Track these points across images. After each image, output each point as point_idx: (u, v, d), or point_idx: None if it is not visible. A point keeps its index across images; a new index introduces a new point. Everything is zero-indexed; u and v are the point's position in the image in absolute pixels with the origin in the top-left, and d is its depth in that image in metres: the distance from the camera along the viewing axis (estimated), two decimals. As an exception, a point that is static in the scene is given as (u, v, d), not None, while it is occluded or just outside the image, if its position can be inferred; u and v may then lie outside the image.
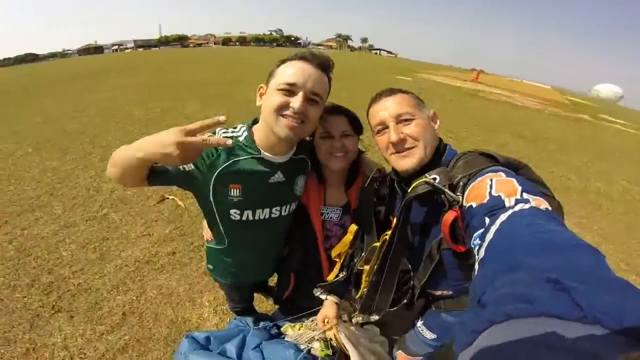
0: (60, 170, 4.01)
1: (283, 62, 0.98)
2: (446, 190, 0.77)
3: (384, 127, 0.94)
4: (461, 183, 0.77)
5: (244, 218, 1.08)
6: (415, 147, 0.90)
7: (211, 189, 1.00)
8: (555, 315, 0.29)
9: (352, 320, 1.21)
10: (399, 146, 0.91)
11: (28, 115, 6.46)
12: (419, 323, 1.21)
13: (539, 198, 0.59)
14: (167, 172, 0.93)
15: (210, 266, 1.37)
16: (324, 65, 0.98)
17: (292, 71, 0.93)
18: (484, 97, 14.55)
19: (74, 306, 2.12)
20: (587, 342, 0.26)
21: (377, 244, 1.01)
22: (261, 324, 1.42)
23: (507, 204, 0.58)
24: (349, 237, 1.15)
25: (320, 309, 1.29)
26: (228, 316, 2.04)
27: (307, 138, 1.17)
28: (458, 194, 0.75)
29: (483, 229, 0.57)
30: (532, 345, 0.28)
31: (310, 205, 1.24)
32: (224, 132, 1.04)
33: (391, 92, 0.98)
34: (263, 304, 2.13)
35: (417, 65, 39.12)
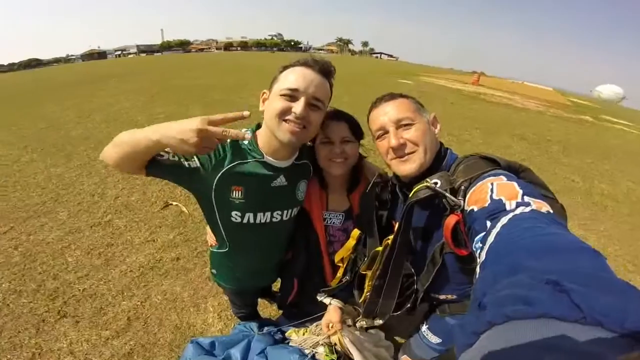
0: (65, 177, 4.04)
1: (285, 68, 1.00)
2: (447, 194, 0.77)
3: (384, 132, 0.94)
4: (462, 187, 0.77)
5: (244, 221, 1.08)
6: (415, 151, 0.91)
7: (213, 190, 1.01)
8: (554, 316, 0.29)
9: (357, 324, 1.21)
10: (399, 151, 0.91)
11: (33, 121, 6.52)
12: (424, 327, 1.21)
13: (540, 201, 0.59)
14: (169, 165, 0.92)
15: (214, 271, 1.38)
16: (326, 71, 0.99)
17: (294, 77, 0.94)
18: (485, 99, 14.52)
19: (80, 311, 2.13)
20: (587, 343, 0.26)
21: (380, 248, 1.01)
22: (265, 329, 1.42)
23: (508, 208, 0.59)
24: (351, 242, 1.16)
25: (324, 313, 1.29)
26: (232, 321, 2.05)
27: (309, 143, 1.18)
28: (459, 198, 0.76)
29: (484, 233, 0.57)
30: (532, 347, 0.28)
31: (312, 210, 1.24)
32: None
33: (391, 96, 0.98)
34: (267, 309, 2.13)
35: (418, 69, 39.18)
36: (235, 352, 1.22)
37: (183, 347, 1.69)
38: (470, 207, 0.69)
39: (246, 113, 0.81)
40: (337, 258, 1.22)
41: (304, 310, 1.44)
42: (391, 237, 0.94)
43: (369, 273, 1.06)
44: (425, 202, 0.84)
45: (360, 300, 1.13)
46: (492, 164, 0.79)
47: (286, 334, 1.40)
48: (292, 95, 0.93)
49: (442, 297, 1.06)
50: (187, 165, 0.95)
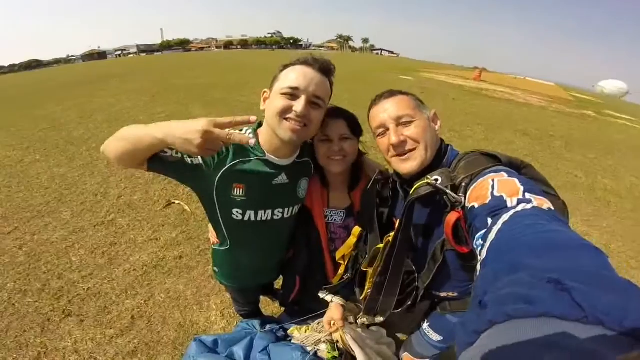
0: (68, 177, 4.06)
1: (286, 66, 1.00)
2: (448, 191, 0.77)
3: (385, 129, 0.94)
4: (463, 184, 0.77)
5: (245, 218, 1.09)
6: (415, 149, 0.90)
7: (215, 187, 1.01)
8: (555, 315, 0.29)
9: (358, 321, 1.21)
10: (400, 148, 0.91)
11: (35, 122, 6.54)
12: (425, 325, 1.21)
13: (542, 198, 0.59)
14: (171, 161, 0.92)
15: (215, 269, 1.38)
16: (326, 69, 0.99)
17: (294, 75, 0.95)
18: (487, 95, 14.43)
19: (84, 310, 2.15)
20: (588, 342, 0.26)
21: (381, 245, 1.02)
22: (268, 326, 1.43)
23: (509, 204, 0.58)
24: (352, 239, 1.16)
25: (326, 311, 1.30)
26: (235, 319, 2.06)
27: (309, 141, 1.18)
28: (460, 194, 0.76)
29: (485, 230, 0.57)
30: (533, 346, 0.28)
31: (314, 208, 1.24)
32: None
33: (391, 94, 0.98)
34: (269, 306, 2.14)
35: (419, 65, 38.98)
36: (238, 350, 1.23)
37: (186, 345, 1.70)
38: (471, 204, 0.69)
39: (253, 118, 0.82)
40: (338, 255, 1.22)
41: (306, 308, 1.44)
42: (392, 234, 0.94)
43: (370, 270, 1.07)
44: (426, 199, 0.83)
45: (361, 298, 1.13)
46: (493, 161, 0.79)
47: (288, 332, 1.41)
48: (292, 93, 0.93)
49: (443, 294, 1.06)
50: (189, 162, 0.95)
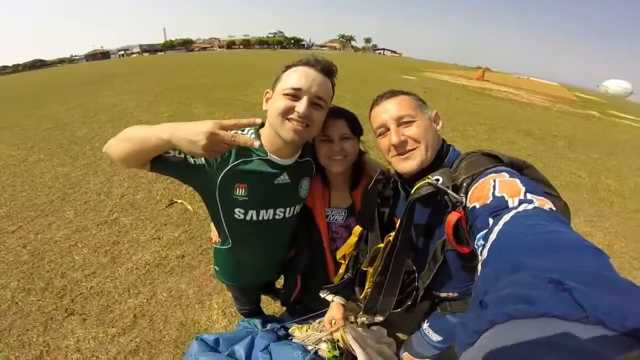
0: (71, 176, 4.09)
1: (288, 67, 1.01)
2: (449, 191, 0.77)
3: (385, 129, 0.94)
4: (464, 184, 0.77)
5: (247, 218, 1.09)
6: (416, 148, 0.90)
7: (218, 187, 1.02)
8: (556, 315, 0.29)
9: (357, 320, 1.22)
10: (400, 148, 0.91)
11: (39, 122, 6.59)
12: (425, 325, 1.21)
13: (543, 198, 0.59)
14: (174, 162, 0.93)
15: (217, 267, 1.39)
16: (328, 70, 1.00)
17: (296, 76, 0.95)
18: (490, 95, 14.37)
19: (87, 309, 2.16)
20: (588, 342, 0.26)
21: (381, 245, 1.02)
22: (269, 325, 1.43)
23: (510, 205, 0.58)
24: (353, 238, 1.16)
25: (327, 310, 1.30)
26: (237, 318, 2.06)
27: (310, 141, 1.18)
28: (461, 195, 0.75)
29: (486, 230, 0.57)
30: (533, 346, 0.28)
31: (315, 208, 1.24)
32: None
33: (392, 94, 0.98)
34: (271, 306, 2.14)
35: (421, 64, 38.89)
36: (240, 349, 1.23)
37: (188, 344, 1.71)
38: (472, 204, 0.68)
39: (258, 120, 0.82)
40: (339, 255, 1.22)
41: (307, 307, 1.45)
42: (393, 233, 0.94)
43: (370, 270, 1.07)
44: (427, 199, 0.83)
45: (361, 297, 1.13)
46: (495, 161, 0.79)
47: (289, 331, 1.41)
48: (295, 94, 0.94)
49: (444, 294, 1.06)
50: (192, 163, 0.96)
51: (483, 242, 0.56)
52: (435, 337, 1.18)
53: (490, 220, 0.58)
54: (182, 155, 0.93)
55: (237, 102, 8.06)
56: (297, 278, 1.41)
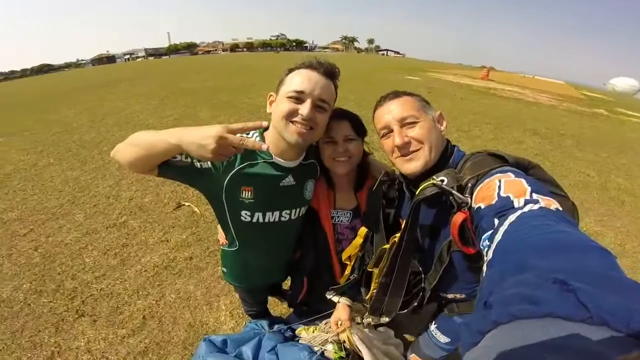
0: (80, 180, 4.15)
1: (291, 70, 1.02)
2: (454, 192, 0.77)
3: (389, 130, 0.95)
4: (469, 184, 0.77)
5: (254, 220, 1.10)
6: (420, 149, 0.90)
7: (224, 190, 1.03)
8: (560, 316, 0.29)
9: (363, 321, 1.22)
10: (404, 149, 0.91)
11: (48, 126, 6.70)
12: (433, 326, 1.21)
13: (549, 198, 0.58)
14: (181, 166, 0.94)
15: (224, 269, 1.40)
16: (331, 73, 1.01)
17: (299, 79, 0.96)
18: (495, 94, 14.24)
19: (97, 310, 2.19)
20: (592, 343, 0.26)
21: (387, 246, 1.02)
22: (276, 327, 1.44)
23: (516, 205, 0.58)
24: (358, 240, 1.16)
25: (333, 311, 1.31)
26: (244, 319, 2.07)
27: (314, 143, 1.19)
28: (466, 195, 0.75)
29: (492, 230, 0.57)
30: (537, 346, 0.28)
31: (320, 209, 1.25)
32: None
33: (395, 95, 0.98)
34: (278, 307, 2.15)
35: (425, 65, 38.69)
36: (247, 350, 1.24)
37: (196, 345, 1.72)
38: (478, 205, 0.68)
39: (264, 123, 0.85)
40: (344, 256, 1.22)
41: (314, 308, 1.45)
42: (398, 234, 0.94)
43: (376, 271, 1.07)
44: (432, 199, 0.83)
45: (367, 298, 1.13)
46: (500, 161, 0.79)
47: (296, 332, 1.42)
48: (298, 97, 0.95)
49: (450, 296, 1.05)
50: (199, 167, 0.97)
51: (488, 243, 0.56)
52: (443, 339, 1.17)
53: (496, 221, 0.58)
54: (189, 160, 0.95)
55: (241, 105, 8.11)
56: (304, 279, 1.41)
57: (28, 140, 5.86)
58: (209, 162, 0.98)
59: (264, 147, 0.81)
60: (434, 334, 1.20)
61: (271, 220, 1.13)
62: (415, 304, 1.03)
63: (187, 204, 3.54)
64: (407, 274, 0.96)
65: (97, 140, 5.64)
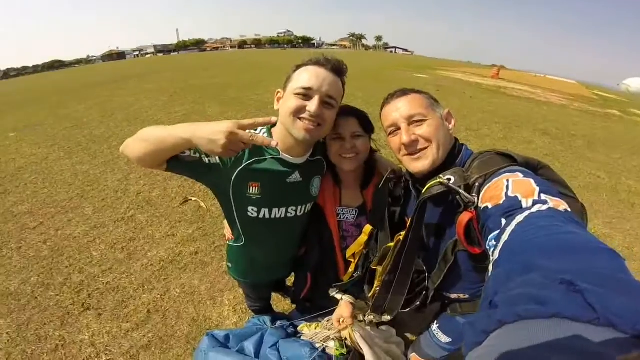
0: (90, 174, 4.22)
1: (299, 67, 1.02)
2: (461, 191, 0.76)
3: (396, 128, 0.94)
4: (477, 184, 0.76)
5: (260, 216, 1.11)
6: (427, 148, 0.89)
7: (232, 185, 1.04)
8: (567, 316, 0.28)
9: (365, 319, 1.21)
10: (411, 148, 0.90)
11: (59, 121, 6.83)
12: (434, 326, 1.20)
13: (558, 199, 0.57)
14: (189, 161, 0.95)
15: (229, 264, 1.41)
16: (338, 69, 1.00)
17: (307, 76, 0.96)
18: (506, 93, 14.05)
19: (102, 304, 2.22)
20: (597, 344, 0.26)
21: (391, 244, 1.01)
22: (278, 323, 1.44)
23: (524, 205, 0.57)
24: (363, 237, 1.16)
25: (336, 308, 1.31)
26: (247, 315, 2.09)
27: (321, 140, 1.18)
28: (473, 194, 0.74)
29: (499, 231, 0.56)
30: (542, 347, 0.27)
31: (326, 206, 1.25)
32: None
33: (403, 92, 0.97)
34: (280, 303, 2.16)
35: (434, 63, 38.34)
36: (249, 345, 1.25)
37: (199, 340, 1.74)
38: (485, 204, 0.67)
39: (274, 119, 0.85)
40: (348, 253, 1.22)
41: (317, 305, 1.45)
42: (403, 233, 0.93)
43: (380, 268, 1.06)
44: (438, 198, 0.83)
45: (370, 295, 1.13)
46: (509, 160, 0.77)
47: (298, 328, 1.42)
48: (306, 94, 0.95)
49: (454, 296, 1.04)
50: (207, 162, 0.98)
51: (495, 243, 0.55)
52: (444, 339, 1.16)
53: (503, 221, 0.57)
54: (197, 155, 0.95)
55: (249, 101, 8.14)
56: (308, 275, 1.41)
57: (40, 134, 5.98)
58: (217, 158, 0.98)
59: (273, 143, 0.81)
60: (435, 333, 1.20)
61: (277, 216, 1.14)
62: (419, 303, 1.03)
63: (193, 199, 3.57)
64: (411, 272, 0.96)
65: (106, 135, 5.72)
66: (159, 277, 2.47)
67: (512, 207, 0.59)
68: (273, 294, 1.84)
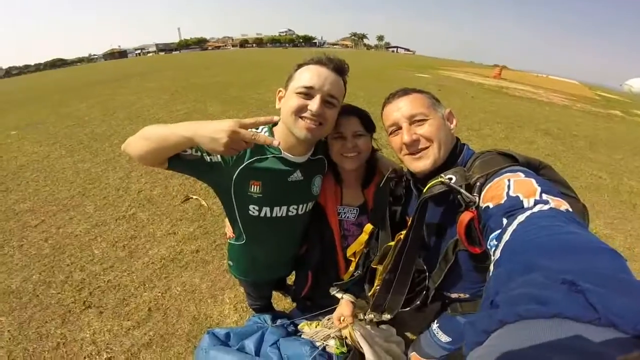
0: (91, 172, 4.22)
1: (300, 66, 1.02)
2: (462, 190, 0.76)
3: (398, 127, 0.94)
4: (478, 183, 0.76)
5: (261, 214, 1.11)
6: (429, 147, 0.89)
7: (233, 184, 1.04)
8: (568, 316, 0.28)
9: (365, 317, 1.22)
10: (412, 147, 0.90)
11: (61, 119, 6.83)
12: (434, 325, 1.20)
13: (559, 199, 0.57)
14: (191, 160, 0.95)
15: (230, 262, 1.42)
16: (340, 69, 1.00)
17: (309, 75, 0.96)
18: (508, 93, 14.01)
19: (104, 302, 2.23)
20: (598, 344, 0.26)
21: (392, 243, 1.01)
22: (279, 321, 1.45)
23: (525, 205, 0.57)
24: (364, 236, 1.16)
25: (336, 307, 1.31)
26: (247, 313, 2.09)
27: (323, 139, 1.18)
28: (475, 194, 0.74)
29: (500, 230, 0.56)
30: (543, 347, 0.27)
31: (327, 205, 1.25)
32: None
33: (404, 92, 0.97)
34: (281, 301, 2.16)
35: (436, 62, 38.26)
36: (249, 343, 1.25)
37: (200, 338, 1.74)
38: (486, 204, 0.67)
39: (276, 118, 0.86)
40: (349, 252, 1.22)
41: (317, 304, 1.46)
42: (404, 232, 0.93)
43: (380, 267, 1.06)
44: (439, 198, 0.83)
45: (370, 294, 1.13)
46: (510, 160, 0.77)
47: (299, 327, 1.42)
48: (307, 93, 0.95)
49: (454, 295, 1.04)
50: (208, 160, 0.98)
51: (496, 242, 0.55)
52: (445, 338, 1.17)
53: (504, 221, 0.57)
54: (199, 154, 0.96)
55: (250, 100, 8.14)
56: (308, 274, 1.42)
57: (42, 132, 5.99)
58: (218, 156, 0.98)
59: (275, 142, 0.81)
60: (435, 333, 1.20)
61: (279, 214, 1.14)
62: (419, 302, 1.03)
63: (195, 197, 3.58)
64: (411, 271, 0.96)
65: (108, 133, 5.73)
66: (160, 275, 2.47)
67: (513, 206, 0.59)
68: (274, 293, 1.84)
